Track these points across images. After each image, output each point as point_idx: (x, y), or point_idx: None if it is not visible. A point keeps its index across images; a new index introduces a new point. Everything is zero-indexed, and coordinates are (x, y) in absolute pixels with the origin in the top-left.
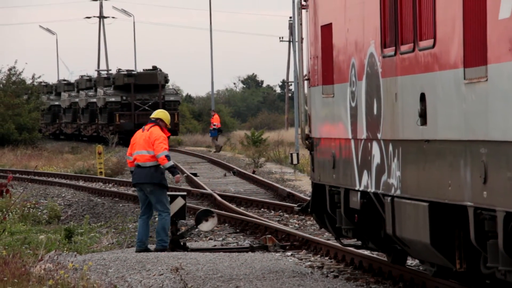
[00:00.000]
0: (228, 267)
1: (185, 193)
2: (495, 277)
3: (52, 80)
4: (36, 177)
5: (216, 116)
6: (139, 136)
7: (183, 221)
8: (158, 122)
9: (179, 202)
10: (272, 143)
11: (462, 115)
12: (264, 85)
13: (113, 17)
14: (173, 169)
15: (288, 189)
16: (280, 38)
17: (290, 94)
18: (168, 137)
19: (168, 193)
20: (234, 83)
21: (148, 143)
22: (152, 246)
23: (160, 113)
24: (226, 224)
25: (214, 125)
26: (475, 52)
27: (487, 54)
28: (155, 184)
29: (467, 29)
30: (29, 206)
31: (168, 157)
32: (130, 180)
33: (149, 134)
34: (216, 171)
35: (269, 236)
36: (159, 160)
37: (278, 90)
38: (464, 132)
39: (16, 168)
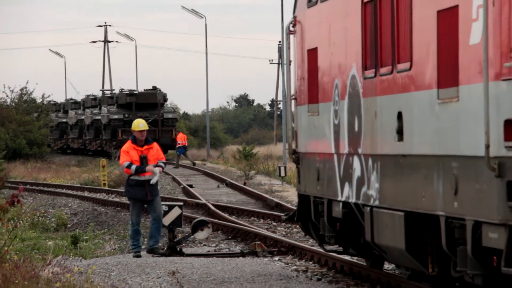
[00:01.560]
0: (221, 271)
1: (181, 203)
2: (464, 280)
3: (60, 99)
4: (45, 188)
5: (179, 135)
6: None
7: (179, 228)
8: (132, 136)
9: (176, 211)
10: (262, 157)
11: (435, 132)
12: (255, 103)
13: (116, 41)
14: (140, 167)
15: (276, 200)
16: (270, 60)
17: (278, 112)
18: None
19: (166, 203)
20: (228, 102)
21: None
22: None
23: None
24: (219, 232)
25: (178, 143)
26: (448, 74)
27: (459, 76)
28: None
29: (441, 53)
30: (38, 215)
31: (127, 166)
32: None
33: None
34: (210, 182)
35: (258, 242)
36: (125, 172)
37: (267, 108)
38: (437, 148)
39: (27, 180)
